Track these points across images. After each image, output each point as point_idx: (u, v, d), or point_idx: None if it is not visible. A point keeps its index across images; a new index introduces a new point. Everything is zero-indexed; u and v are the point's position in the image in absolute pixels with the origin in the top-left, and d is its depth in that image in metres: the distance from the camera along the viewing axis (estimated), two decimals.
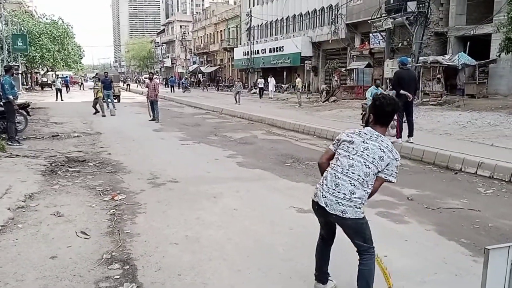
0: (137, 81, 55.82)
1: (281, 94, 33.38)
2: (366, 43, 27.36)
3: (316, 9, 34.31)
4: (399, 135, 9.68)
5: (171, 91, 40.30)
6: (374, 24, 24.09)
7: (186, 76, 55.30)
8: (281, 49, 37.66)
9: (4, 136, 10.44)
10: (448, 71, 20.23)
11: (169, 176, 7.25)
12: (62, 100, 28.57)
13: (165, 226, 4.85)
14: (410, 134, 9.64)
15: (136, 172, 7.56)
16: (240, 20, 48.20)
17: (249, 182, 7.07)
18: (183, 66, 67.90)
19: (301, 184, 6.89)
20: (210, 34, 60.89)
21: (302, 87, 24.94)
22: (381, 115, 3.05)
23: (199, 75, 58.86)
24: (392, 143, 8.69)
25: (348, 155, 2.97)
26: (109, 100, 19.46)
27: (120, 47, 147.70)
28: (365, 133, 3.01)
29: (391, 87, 12.88)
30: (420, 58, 20.36)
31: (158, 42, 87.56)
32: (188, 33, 69.89)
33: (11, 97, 10.08)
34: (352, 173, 2.92)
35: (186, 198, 5.99)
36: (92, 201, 5.74)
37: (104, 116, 17.65)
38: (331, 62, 30.00)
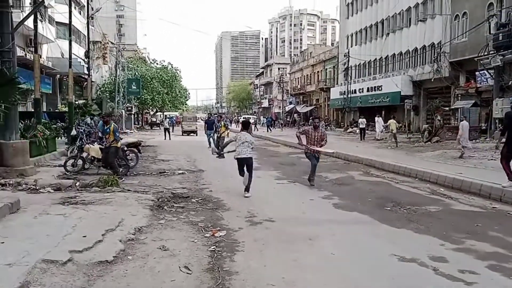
0: (236, 122, 58.51)
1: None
2: (472, 81, 25.84)
3: (417, 48, 33.46)
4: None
5: (267, 131, 41.32)
6: (481, 61, 22.75)
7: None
8: (380, 88, 37.02)
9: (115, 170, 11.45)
10: None
11: (266, 215, 7.37)
12: (170, 139, 30.47)
13: (262, 266, 4.91)
14: None
15: (235, 210, 7.81)
16: (338, 60, 48.48)
17: (346, 225, 6.94)
18: (280, 107, 69.55)
19: (403, 231, 6.57)
20: (307, 75, 61.99)
21: (396, 128, 23.82)
22: (243, 125, 9.81)
23: (295, 115, 59.73)
24: (503, 187, 8.34)
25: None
26: (211, 139, 20.86)
27: (221, 89, 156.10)
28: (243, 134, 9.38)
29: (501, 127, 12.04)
30: None
31: (256, 84, 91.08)
32: (286, 75, 71.84)
33: (100, 134, 12.93)
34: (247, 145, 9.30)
35: (282, 239, 6.03)
36: (194, 237, 6.02)
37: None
38: (433, 101, 28.69)
